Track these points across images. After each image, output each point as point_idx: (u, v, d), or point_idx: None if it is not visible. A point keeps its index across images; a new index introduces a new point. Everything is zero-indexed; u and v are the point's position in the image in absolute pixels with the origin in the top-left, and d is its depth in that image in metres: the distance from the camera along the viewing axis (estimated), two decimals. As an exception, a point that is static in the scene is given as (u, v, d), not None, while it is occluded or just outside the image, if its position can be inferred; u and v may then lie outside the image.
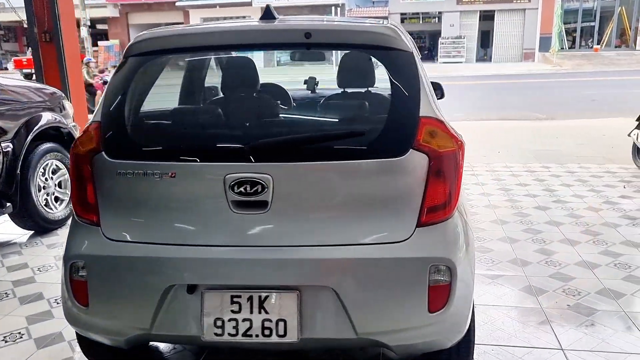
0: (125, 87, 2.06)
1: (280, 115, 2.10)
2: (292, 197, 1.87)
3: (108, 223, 1.98)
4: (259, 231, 1.89)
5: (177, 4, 32.61)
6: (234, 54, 2.33)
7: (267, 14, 2.18)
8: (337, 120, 2.05)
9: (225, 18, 34.04)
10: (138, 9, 34.71)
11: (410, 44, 2.08)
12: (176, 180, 1.91)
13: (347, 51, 2.25)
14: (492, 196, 5.03)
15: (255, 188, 1.84)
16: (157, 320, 1.93)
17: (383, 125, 1.93)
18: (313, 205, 1.89)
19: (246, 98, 2.20)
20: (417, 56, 2.10)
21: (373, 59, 2.13)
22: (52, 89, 4.63)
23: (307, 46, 2.04)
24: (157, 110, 2.09)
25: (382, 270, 1.85)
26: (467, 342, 2.11)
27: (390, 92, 2.01)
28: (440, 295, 1.87)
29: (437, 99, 3.67)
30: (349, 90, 2.40)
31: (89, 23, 31.20)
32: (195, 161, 1.89)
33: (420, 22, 34.62)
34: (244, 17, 33.55)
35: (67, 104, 4.62)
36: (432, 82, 3.67)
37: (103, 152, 1.97)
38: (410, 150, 1.87)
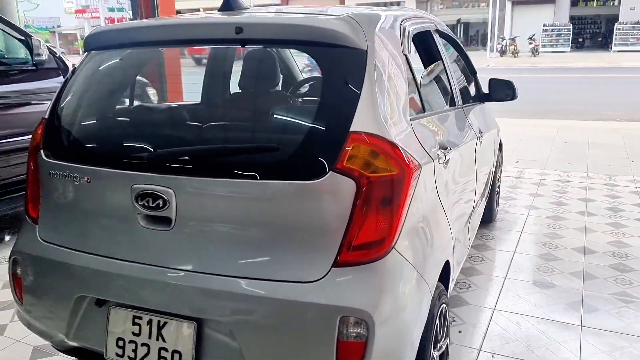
0: (72, 84, 1.99)
1: (206, 123, 1.87)
2: (195, 216, 1.65)
3: (43, 223, 1.94)
4: (163, 251, 1.69)
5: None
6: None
7: (226, 4, 1.95)
8: (255, 131, 1.76)
9: (376, 3, 33.80)
10: (298, -2, 35.96)
11: (374, 41, 1.69)
12: (91, 186, 1.80)
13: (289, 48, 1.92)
14: (593, 217, 4.20)
15: (157, 202, 1.65)
16: (71, 330, 1.86)
17: (302, 139, 1.59)
18: (215, 228, 1.64)
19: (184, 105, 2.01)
20: (379, 55, 1.70)
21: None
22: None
23: (241, 42, 1.77)
24: (98, 111, 1.98)
25: (284, 314, 1.55)
26: None
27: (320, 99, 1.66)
28: (352, 353, 1.51)
29: (508, 99, 3.14)
30: (280, 95, 2.06)
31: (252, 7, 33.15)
32: (105, 168, 1.75)
33: (595, 5, 30.92)
34: (399, 2, 33.00)
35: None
36: (501, 81, 3.15)
37: (41, 151, 1.93)
38: (330, 172, 1.52)
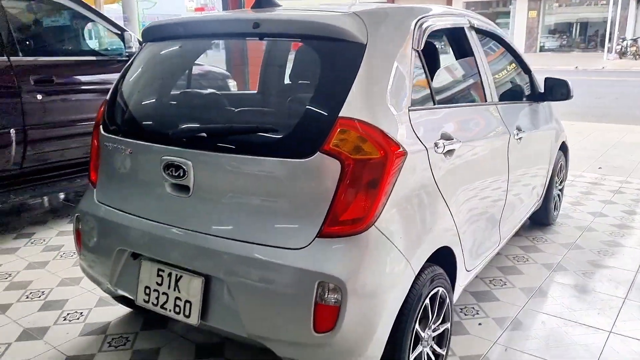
0: (127, 71, 2.34)
1: (223, 107, 2.10)
2: (207, 185, 1.91)
3: (99, 187, 2.31)
4: (182, 214, 1.97)
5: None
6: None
7: (257, 2, 2.20)
8: (255, 113, 1.96)
9: (485, 3, 32.60)
10: (404, -6, 35.75)
11: (375, 36, 1.84)
12: (133, 156, 2.13)
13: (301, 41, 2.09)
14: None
15: (179, 172, 1.93)
16: (114, 277, 2.20)
17: (296, 122, 1.79)
18: (223, 197, 1.88)
19: (200, 90, 2.26)
20: (381, 49, 1.85)
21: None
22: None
23: (259, 36, 2.00)
24: (141, 94, 2.30)
25: (272, 275, 1.76)
26: None
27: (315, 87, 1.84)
28: (327, 316, 1.68)
29: (562, 99, 3.11)
30: (293, 83, 2.23)
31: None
32: (143, 141, 2.07)
33: None
34: (507, 0, 31.62)
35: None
36: (556, 80, 3.13)
37: (101, 126, 2.30)
38: (318, 153, 1.70)
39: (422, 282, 1.91)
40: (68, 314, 2.82)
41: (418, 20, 2.12)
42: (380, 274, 1.72)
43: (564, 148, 4.01)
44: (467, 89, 2.62)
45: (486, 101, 2.62)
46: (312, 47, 1.94)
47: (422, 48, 2.08)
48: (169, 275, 1.99)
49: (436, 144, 1.98)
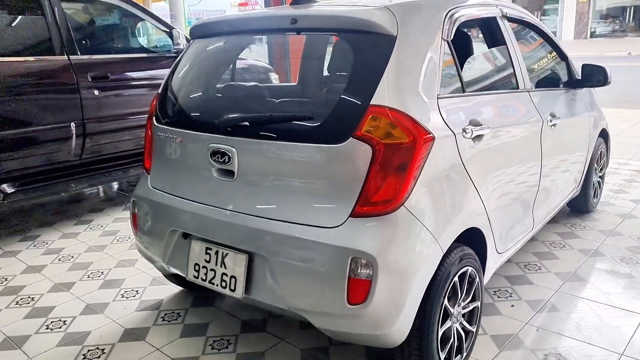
0: (177, 66, 2.53)
1: (264, 98, 2.26)
2: (250, 170, 2.07)
3: (152, 173, 2.52)
4: (228, 197, 2.15)
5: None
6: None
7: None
8: (293, 103, 2.11)
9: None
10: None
11: (406, 28, 1.96)
12: (183, 144, 2.32)
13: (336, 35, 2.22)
14: None
15: (224, 158, 2.11)
16: (167, 256, 2.41)
17: (330, 111, 1.93)
18: (264, 180, 2.05)
19: (242, 83, 2.42)
20: (411, 40, 1.96)
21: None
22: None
23: (296, 31, 2.15)
24: (190, 87, 2.48)
25: (309, 252, 1.91)
26: (419, 344, 1.96)
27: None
28: (360, 289, 1.82)
29: (600, 85, 3.14)
30: (330, 75, 2.34)
31: None
32: (192, 131, 2.25)
33: None
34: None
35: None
36: (594, 66, 3.16)
37: (153, 118, 2.51)
38: (350, 138, 1.84)
39: (451, 260, 2.02)
40: (125, 292, 3.07)
41: (448, 12, 2.22)
42: (409, 251, 1.85)
43: (604, 135, 3.99)
44: (498, 77, 2.69)
45: (518, 88, 2.68)
46: (346, 40, 2.07)
47: (452, 38, 2.18)
48: (216, 253, 2.17)
49: (464, 130, 2.08)
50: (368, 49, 1.94)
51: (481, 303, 2.33)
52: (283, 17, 2.16)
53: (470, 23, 2.50)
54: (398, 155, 1.83)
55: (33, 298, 3.04)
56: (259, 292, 2.07)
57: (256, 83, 2.39)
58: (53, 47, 3.87)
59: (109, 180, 4.42)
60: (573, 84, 3.41)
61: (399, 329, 1.88)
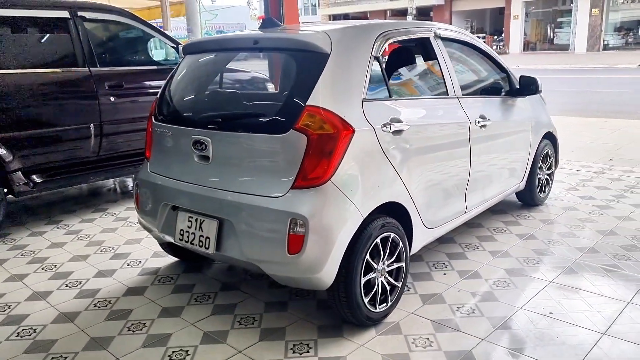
0: (172, 76, 3.20)
1: (237, 101, 2.92)
2: (221, 155, 2.72)
3: (151, 160, 3.18)
4: (205, 176, 2.79)
5: (498, -12, 32.28)
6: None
7: (263, 24, 3.01)
8: (253, 104, 2.77)
9: (546, 2, 32.02)
10: (463, -4, 35.70)
11: (338, 47, 2.59)
12: (173, 137, 2.98)
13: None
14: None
15: (202, 146, 2.75)
16: (161, 225, 3.05)
17: (278, 109, 2.57)
18: (230, 162, 2.69)
19: (218, 88, 3.08)
20: (342, 57, 2.59)
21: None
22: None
23: (259, 50, 2.80)
24: (179, 93, 3.14)
25: (261, 215, 2.53)
26: (345, 287, 2.56)
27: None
28: (296, 242, 2.44)
29: (532, 93, 3.74)
30: (282, 83, 2.97)
31: (414, 12, 33.97)
32: (179, 126, 2.91)
33: None
34: (569, -2, 30.90)
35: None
36: (528, 77, 3.76)
37: (152, 116, 3.17)
38: (291, 130, 2.47)
39: (373, 226, 2.62)
40: (130, 262, 3.73)
41: (380, 35, 2.85)
42: (334, 214, 2.46)
43: (551, 139, 4.55)
44: (426, 85, 3.30)
45: (448, 95, 3.28)
46: (292, 57, 2.71)
47: (380, 54, 2.80)
48: (196, 220, 2.81)
49: (385, 125, 2.69)
50: (307, 63, 2.59)
51: (406, 264, 2.92)
52: (248, 39, 2.83)
53: (406, 42, 3.12)
54: (326, 143, 2.45)
55: (55, 266, 3.71)
56: (226, 249, 2.70)
57: (235, 90, 3.04)
58: (77, 60, 4.59)
59: (122, 174, 5.10)
60: (513, 92, 4.00)
61: (327, 274, 2.49)
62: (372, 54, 2.77)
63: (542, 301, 2.96)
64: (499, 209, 4.51)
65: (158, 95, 3.22)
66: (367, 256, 2.64)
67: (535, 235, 3.92)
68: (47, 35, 4.56)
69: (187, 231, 2.86)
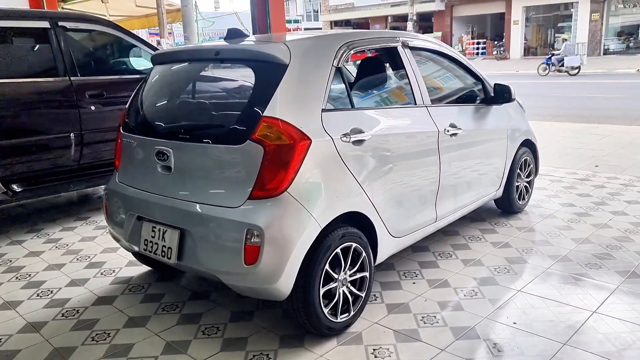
0: (141, 86, 3.22)
1: (195, 111, 2.93)
2: (182, 165, 2.73)
3: (120, 170, 3.20)
4: (168, 186, 2.81)
5: (499, -7, 32.33)
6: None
7: (228, 35, 3.02)
8: (213, 114, 2.79)
9: (547, 6, 32.02)
10: (463, 2, 35.77)
11: (297, 58, 2.60)
12: (138, 147, 2.99)
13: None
14: (623, 216, 4.37)
15: (164, 157, 2.77)
16: (127, 235, 3.06)
17: (236, 120, 2.58)
18: (189, 172, 2.70)
19: (182, 99, 3.09)
20: (300, 67, 2.60)
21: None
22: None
23: (220, 61, 2.82)
24: (145, 103, 3.15)
25: (219, 225, 2.54)
26: (303, 298, 2.56)
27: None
28: (252, 253, 2.44)
29: (506, 101, 3.75)
30: (240, 94, 2.96)
31: (414, 18, 34.03)
32: (143, 136, 2.93)
33: None
34: (569, 3, 30.96)
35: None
36: (502, 86, 3.76)
37: (121, 127, 3.19)
38: (248, 141, 2.48)
39: (333, 236, 2.62)
40: (104, 271, 3.74)
41: (343, 45, 2.86)
42: (290, 225, 2.46)
43: (530, 146, 4.54)
44: (393, 95, 3.31)
45: (416, 104, 3.29)
46: (251, 68, 2.72)
47: (343, 65, 2.81)
48: (159, 230, 2.82)
49: (345, 135, 2.69)
50: (266, 74, 2.60)
51: (371, 274, 2.92)
52: (210, 50, 2.84)
53: (374, 52, 3.13)
54: (282, 154, 2.46)
55: (30, 275, 3.73)
56: (188, 259, 2.70)
57: (199, 100, 3.04)
58: (57, 69, 4.62)
59: (104, 183, 5.11)
60: (487, 100, 4.00)
61: (284, 284, 2.49)
62: (334, 64, 2.78)
63: (507, 311, 2.95)
64: (478, 217, 4.50)
65: (127, 106, 3.24)
66: (327, 266, 2.63)
67: (510, 244, 3.91)
68: (28, 45, 4.60)
69: (150, 241, 2.87)
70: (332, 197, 2.63)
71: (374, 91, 3.26)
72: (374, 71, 3.43)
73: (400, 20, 38.69)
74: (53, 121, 4.59)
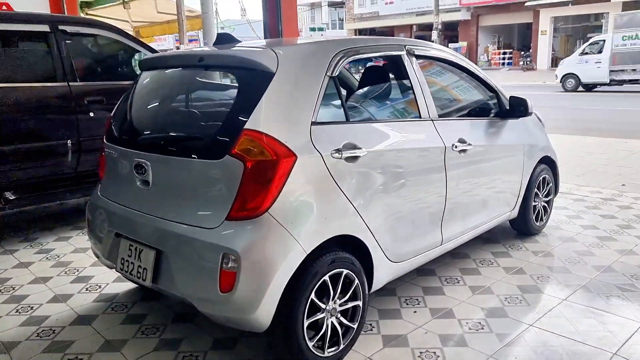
0: (128, 93, 3.02)
1: (174, 122, 2.72)
2: (160, 180, 2.52)
3: (102, 183, 3.01)
4: (145, 202, 2.60)
5: (526, 4, 31.70)
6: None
7: (217, 40, 2.81)
8: (193, 126, 2.56)
9: (576, 17, 31.35)
10: (489, 11, 35.22)
11: (285, 66, 2.37)
12: (119, 159, 2.79)
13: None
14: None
15: (142, 170, 2.56)
16: (106, 252, 2.86)
17: (215, 132, 2.36)
18: (168, 188, 2.49)
19: (164, 108, 2.89)
20: (289, 76, 2.38)
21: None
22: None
23: (204, 67, 2.61)
24: (127, 112, 2.94)
25: (194, 248, 2.32)
26: (285, 330, 2.32)
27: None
28: (228, 280, 2.21)
29: (522, 115, 3.46)
30: (221, 104, 2.72)
31: (439, 27, 33.62)
32: (123, 148, 2.73)
33: None
34: (599, 14, 30.24)
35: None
36: (518, 98, 3.48)
37: (104, 136, 3.00)
38: (227, 155, 2.25)
39: (321, 262, 2.38)
40: (91, 286, 3.55)
41: (337, 53, 2.62)
42: (270, 250, 2.22)
43: (550, 163, 4.23)
44: (395, 108, 3.04)
45: (421, 117, 3.02)
46: (236, 75, 2.50)
47: (336, 75, 2.57)
48: (136, 249, 2.61)
49: (337, 151, 2.45)
50: (249, 82, 2.37)
51: (364, 303, 2.66)
52: (195, 56, 2.63)
53: (374, 60, 2.89)
54: (264, 170, 2.23)
55: (14, 288, 3.56)
56: (163, 282, 2.49)
57: (181, 110, 2.82)
58: (55, 75, 4.48)
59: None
60: (502, 114, 3.71)
61: (263, 315, 2.25)
62: (328, 73, 2.54)
63: (516, 349, 2.65)
64: (492, 237, 4.19)
65: (112, 114, 3.06)
66: (313, 295, 2.38)
67: (524, 270, 3.60)
68: (26, 49, 4.47)
69: (127, 260, 2.66)
70: (320, 219, 2.39)
71: (374, 103, 3.01)
72: (378, 81, 3.18)
73: (425, 30, 38.24)
74: (49, 128, 4.45)
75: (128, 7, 14.70)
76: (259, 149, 2.23)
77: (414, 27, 40.67)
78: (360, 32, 43.99)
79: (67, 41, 4.57)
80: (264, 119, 2.27)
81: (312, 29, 42.71)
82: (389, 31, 42.12)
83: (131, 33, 15.33)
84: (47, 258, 4.10)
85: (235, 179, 2.24)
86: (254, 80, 2.36)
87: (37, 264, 3.98)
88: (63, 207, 5.60)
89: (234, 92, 2.47)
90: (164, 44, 34.75)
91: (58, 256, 4.13)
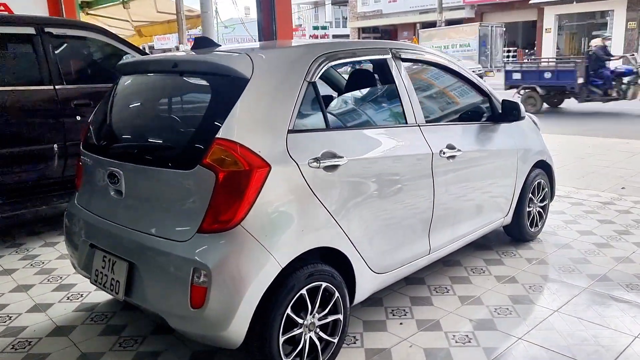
0: (106, 98, 2.94)
1: (141, 128, 2.63)
2: (132, 190, 2.44)
3: (79, 191, 2.93)
4: (118, 212, 2.52)
5: (530, 1, 31.46)
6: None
7: (195, 44, 2.72)
8: (165, 134, 2.48)
9: (581, 14, 31.10)
10: (493, 9, 34.98)
11: (260, 71, 2.28)
12: (93, 167, 2.71)
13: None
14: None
15: (115, 179, 2.48)
16: (82, 263, 2.78)
17: (186, 141, 2.27)
18: (138, 198, 2.41)
19: (137, 115, 2.79)
20: (264, 82, 2.28)
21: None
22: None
23: (178, 73, 2.51)
24: (103, 119, 2.86)
25: (166, 262, 2.23)
26: (259, 347, 2.24)
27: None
28: (199, 295, 2.12)
29: (515, 120, 3.36)
30: (193, 111, 2.62)
31: (443, 25, 33.41)
32: (98, 156, 2.65)
33: None
34: (605, 12, 30.00)
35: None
36: (510, 102, 3.38)
37: (81, 143, 2.92)
38: (198, 166, 2.16)
39: (297, 275, 2.29)
40: (72, 295, 3.47)
41: (317, 58, 2.52)
42: (242, 264, 2.13)
43: (545, 167, 4.12)
44: (379, 113, 2.94)
45: (407, 123, 2.92)
46: (208, 81, 2.41)
47: (313, 79, 2.47)
48: (109, 260, 2.53)
49: (315, 160, 2.35)
50: (223, 89, 2.28)
51: (345, 317, 2.56)
52: (169, 61, 2.54)
53: (359, 64, 2.79)
54: (236, 181, 2.14)
55: (-6, 296, 3.49)
56: (136, 296, 2.40)
57: (157, 117, 2.72)
58: (41, 78, 4.41)
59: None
60: (495, 118, 3.60)
61: (235, 332, 2.16)
62: (307, 78, 2.44)
63: (503, 364, 2.55)
64: (484, 244, 4.09)
65: (89, 120, 2.97)
66: (290, 310, 2.29)
67: (516, 278, 3.50)
68: (10, 51, 4.40)
69: (101, 272, 2.58)
70: (296, 231, 2.29)
71: (358, 109, 2.92)
72: (363, 85, 3.08)
73: (429, 27, 38.06)
74: (34, 132, 4.38)
75: (128, 6, 14.63)
76: (231, 159, 2.14)
77: (418, 25, 40.44)
78: (364, 30, 43.83)
79: (53, 43, 4.50)
80: (237, 127, 2.18)
81: (315, 28, 42.63)
82: (392, 30, 41.95)
83: (133, 32, 15.34)
84: (31, 265, 4.03)
85: (206, 190, 2.15)
86: (227, 87, 2.27)
87: (21, 271, 3.90)
88: (52, 211, 5.52)
89: (208, 99, 2.37)
90: (167, 42, 34.62)
91: (43, 262, 4.06)
